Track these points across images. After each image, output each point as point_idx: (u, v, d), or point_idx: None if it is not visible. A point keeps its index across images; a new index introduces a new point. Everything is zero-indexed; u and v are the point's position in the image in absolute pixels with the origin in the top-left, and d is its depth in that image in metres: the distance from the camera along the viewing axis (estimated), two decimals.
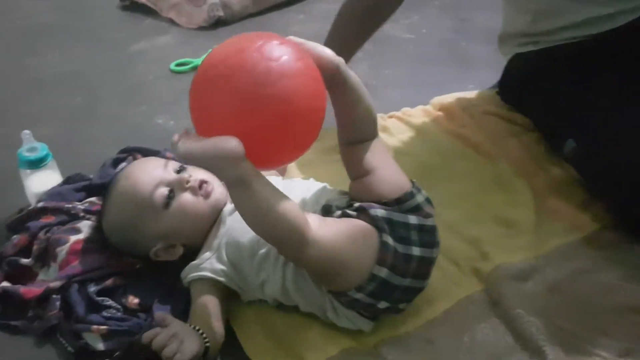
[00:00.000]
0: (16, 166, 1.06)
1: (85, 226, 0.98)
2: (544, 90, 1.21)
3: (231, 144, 0.68)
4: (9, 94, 1.49)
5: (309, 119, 0.72)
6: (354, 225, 0.81)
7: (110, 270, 0.92)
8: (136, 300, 0.89)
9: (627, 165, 0.99)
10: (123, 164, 1.12)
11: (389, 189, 0.84)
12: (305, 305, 0.86)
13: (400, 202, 0.83)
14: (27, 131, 1.06)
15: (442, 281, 0.92)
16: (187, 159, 0.74)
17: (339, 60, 0.79)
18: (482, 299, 0.92)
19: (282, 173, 1.12)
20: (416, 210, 0.83)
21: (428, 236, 0.83)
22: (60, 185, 1.08)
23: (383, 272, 0.79)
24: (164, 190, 0.88)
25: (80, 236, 0.96)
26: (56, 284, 0.90)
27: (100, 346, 0.84)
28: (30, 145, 1.06)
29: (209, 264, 0.87)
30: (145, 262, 0.93)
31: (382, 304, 0.82)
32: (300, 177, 1.10)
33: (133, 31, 1.78)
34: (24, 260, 0.96)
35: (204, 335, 0.79)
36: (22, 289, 0.91)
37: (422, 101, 1.37)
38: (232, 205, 0.88)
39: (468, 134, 1.25)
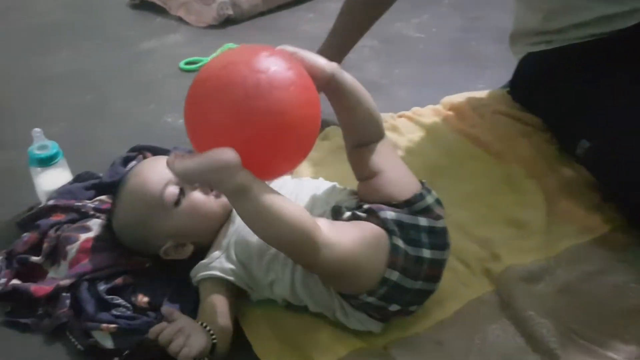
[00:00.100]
0: (27, 164, 1.07)
1: (95, 224, 0.99)
2: (557, 90, 1.20)
3: (226, 154, 0.67)
4: (20, 92, 1.50)
5: (303, 128, 0.72)
6: (365, 228, 0.80)
7: (120, 269, 0.92)
8: (146, 299, 0.89)
9: None
10: (133, 163, 1.12)
11: (397, 191, 0.83)
12: (314, 306, 0.86)
13: (409, 204, 0.83)
14: (37, 129, 1.07)
15: (452, 282, 0.92)
16: (185, 177, 0.74)
17: (332, 67, 0.78)
18: (493, 300, 0.91)
19: (291, 172, 1.12)
20: (426, 211, 0.83)
21: (438, 238, 0.82)
22: (70, 183, 1.09)
23: (394, 276, 0.79)
24: (174, 189, 0.88)
25: (91, 234, 0.96)
26: (66, 282, 0.90)
27: (110, 344, 0.84)
28: (41, 144, 1.06)
29: (218, 263, 0.87)
30: (155, 261, 0.93)
31: (394, 307, 0.81)
32: (310, 176, 1.10)
33: (142, 29, 1.78)
34: (34, 258, 0.96)
35: (212, 332, 0.78)
36: (32, 287, 0.91)
37: (432, 100, 1.37)
38: None
39: (478, 133, 1.24)
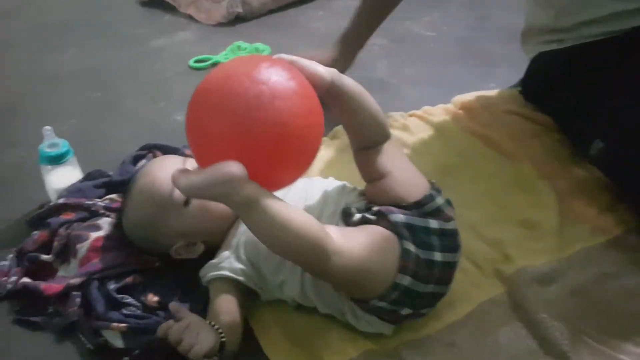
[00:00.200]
0: (36, 162, 1.07)
1: (106, 223, 0.98)
2: (569, 90, 1.19)
3: (232, 167, 0.66)
4: (29, 90, 1.50)
5: (306, 137, 0.71)
6: (375, 233, 0.80)
7: (130, 268, 0.92)
8: (156, 298, 0.88)
9: None
10: (143, 161, 1.12)
11: (406, 192, 0.83)
12: (323, 307, 0.86)
13: (419, 206, 0.82)
14: (48, 127, 1.07)
15: (463, 284, 0.91)
16: (190, 193, 0.73)
17: (332, 74, 0.77)
18: (505, 302, 0.90)
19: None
20: (436, 213, 0.82)
21: (449, 240, 0.82)
22: (80, 181, 1.09)
23: (406, 280, 0.78)
24: None
25: (101, 233, 0.96)
26: (76, 280, 0.90)
27: (120, 344, 0.84)
28: (51, 142, 1.06)
29: (227, 263, 0.87)
30: (165, 260, 0.93)
31: (405, 311, 0.81)
32: (319, 175, 1.09)
33: (152, 27, 1.78)
34: (44, 257, 0.96)
35: (220, 330, 0.78)
36: (42, 285, 0.91)
37: (443, 99, 1.36)
38: None
39: (490, 133, 1.23)
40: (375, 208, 0.83)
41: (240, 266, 0.86)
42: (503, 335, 0.86)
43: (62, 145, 1.06)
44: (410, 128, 1.28)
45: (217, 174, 0.67)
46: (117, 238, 0.95)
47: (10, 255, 0.98)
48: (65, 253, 0.97)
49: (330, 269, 0.74)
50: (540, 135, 1.22)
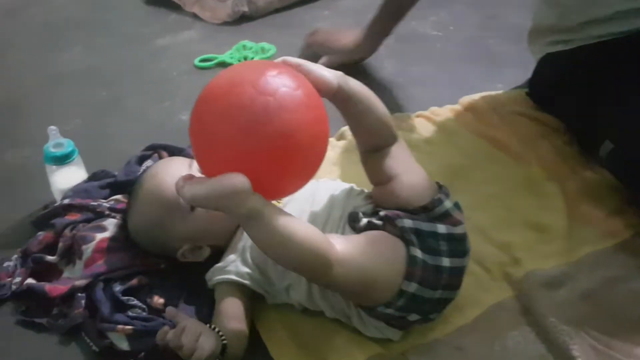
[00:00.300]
0: (41, 161, 1.06)
1: (111, 224, 0.98)
2: (578, 91, 1.18)
3: (236, 179, 0.66)
4: (34, 89, 1.49)
5: (312, 147, 0.71)
6: (380, 241, 0.79)
7: (135, 270, 0.92)
8: (161, 300, 0.88)
9: None
10: (148, 161, 1.11)
11: (414, 196, 0.82)
12: (331, 312, 0.85)
13: (427, 210, 0.81)
14: (53, 127, 1.06)
15: (472, 287, 0.90)
16: (194, 203, 0.73)
17: (339, 78, 0.76)
18: (513, 306, 0.90)
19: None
20: (445, 217, 0.81)
21: (458, 245, 0.81)
22: (85, 181, 1.08)
23: (412, 287, 0.77)
24: None
25: (106, 234, 0.95)
26: (82, 282, 0.89)
27: (125, 346, 0.83)
28: (57, 141, 1.05)
29: (233, 267, 0.86)
30: (170, 262, 0.93)
31: (413, 317, 0.80)
32: (326, 176, 1.08)
33: (157, 26, 1.77)
34: (49, 258, 0.95)
35: (220, 333, 0.78)
36: (47, 286, 0.90)
37: (450, 100, 1.35)
38: None
39: (498, 135, 1.22)
40: (382, 213, 0.83)
41: (247, 270, 0.85)
42: (512, 340, 0.85)
43: (67, 145, 1.05)
44: (417, 129, 1.27)
45: (221, 186, 0.67)
46: (123, 239, 0.94)
47: (15, 256, 0.98)
48: (71, 254, 0.96)
49: (333, 279, 0.74)
50: (548, 136, 1.21)
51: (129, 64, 1.60)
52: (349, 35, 1.45)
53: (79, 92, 1.47)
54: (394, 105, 1.35)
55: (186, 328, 0.74)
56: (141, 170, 1.08)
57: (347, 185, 0.93)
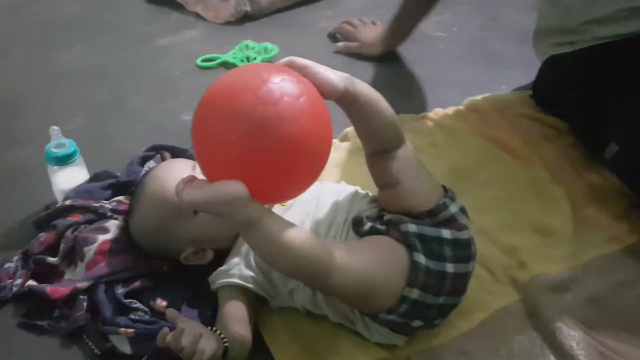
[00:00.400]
0: (42, 161, 1.05)
1: (113, 226, 0.97)
2: (582, 93, 1.17)
3: (233, 187, 0.66)
4: (34, 88, 1.48)
5: (313, 156, 0.70)
6: (382, 247, 0.78)
7: (137, 272, 0.91)
8: (164, 303, 0.87)
9: None
10: (150, 162, 1.10)
11: (419, 201, 0.81)
12: (334, 316, 0.85)
13: (432, 215, 0.80)
14: (55, 127, 1.05)
15: (477, 291, 0.90)
16: (193, 207, 0.73)
17: (345, 81, 0.75)
18: (519, 310, 0.89)
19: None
20: (450, 222, 0.80)
21: (463, 250, 0.80)
22: (87, 182, 1.07)
23: (414, 293, 0.77)
24: None
25: (108, 236, 0.95)
26: (83, 284, 0.89)
27: (128, 349, 0.83)
28: (58, 142, 1.04)
29: (237, 270, 0.85)
30: (173, 265, 0.92)
31: (416, 323, 0.80)
32: (330, 178, 1.07)
33: (159, 25, 1.76)
34: (51, 259, 0.95)
35: (222, 335, 0.77)
36: (48, 288, 0.90)
37: (454, 101, 1.34)
38: None
39: (502, 137, 1.21)
40: (386, 217, 0.82)
41: (250, 273, 0.85)
42: (518, 345, 0.85)
43: (69, 145, 1.04)
44: (421, 130, 1.26)
45: (218, 192, 0.66)
46: (125, 241, 0.94)
47: (16, 257, 0.97)
48: (72, 256, 0.95)
49: (331, 286, 0.74)
50: (553, 139, 1.21)
51: (131, 63, 1.59)
52: (372, 30, 1.55)
53: (80, 92, 1.46)
54: (397, 106, 1.30)
55: (186, 330, 0.73)
56: (143, 171, 1.07)
57: (351, 189, 0.92)
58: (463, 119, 1.29)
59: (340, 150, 1.19)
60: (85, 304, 0.87)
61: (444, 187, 0.85)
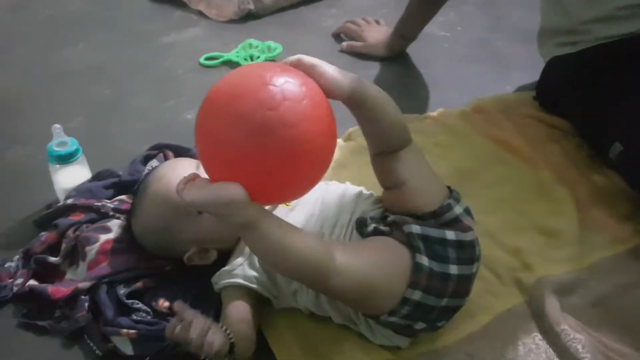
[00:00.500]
0: (44, 160, 1.04)
1: (115, 225, 0.96)
2: (586, 93, 1.17)
3: (232, 190, 0.65)
4: (36, 86, 1.47)
5: (317, 156, 0.69)
6: (384, 248, 0.78)
7: (140, 272, 0.90)
8: (166, 304, 0.86)
9: None
10: (153, 161, 1.10)
11: (423, 202, 0.80)
12: (338, 318, 0.84)
13: (436, 216, 0.80)
14: (57, 125, 1.04)
15: (482, 293, 0.89)
16: (193, 207, 0.72)
17: (353, 84, 0.73)
18: (524, 312, 0.89)
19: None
20: (454, 223, 0.80)
21: (466, 252, 0.79)
22: (89, 181, 1.07)
23: (416, 295, 0.76)
24: None
25: (110, 236, 0.94)
26: (85, 284, 0.88)
27: (130, 351, 0.82)
28: (60, 140, 1.03)
29: (240, 271, 0.85)
30: (176, 265, 0.91)
31: (419, 325, 0.79)
32: (334, 178, 1.07)
33: (162, 23, 1.75)
34: (52, 259, 0.94)
35: (228, 331, 0.76)
36: (50, 288, 0.89)
37: (458, 102, 1.33)
38: None
39: (507, 137, 1.20)
40: (390, 218, 0.81)
41: (254, 274, 0.84)
42: (522, 347, 0.84)
43: (72, 143, 1.03)
44: (425, 131, 1.25)
45: (218, 194, 0.66)
46: (127, 241, 0.93)
47: (17, 257, 0.96)
48: (74, 255, 0.95)
49: (331, 288, 0.73)
50: (558, 140, 1.20)
51: (133, 61, 1.58)
52: (376, 30, 1.56)
53: (82, 90, 1.46)
54: (400, 106, 1.31)
55: (194, 322, 0.73)
56: (146, 170, 1.07)
57: (356, 189, 0.91)
58: (467, 119, 1.28)
59: (344, 150, 1.18)
60: (86, 304, 0.87)
61: (448, 187, 0.84)
